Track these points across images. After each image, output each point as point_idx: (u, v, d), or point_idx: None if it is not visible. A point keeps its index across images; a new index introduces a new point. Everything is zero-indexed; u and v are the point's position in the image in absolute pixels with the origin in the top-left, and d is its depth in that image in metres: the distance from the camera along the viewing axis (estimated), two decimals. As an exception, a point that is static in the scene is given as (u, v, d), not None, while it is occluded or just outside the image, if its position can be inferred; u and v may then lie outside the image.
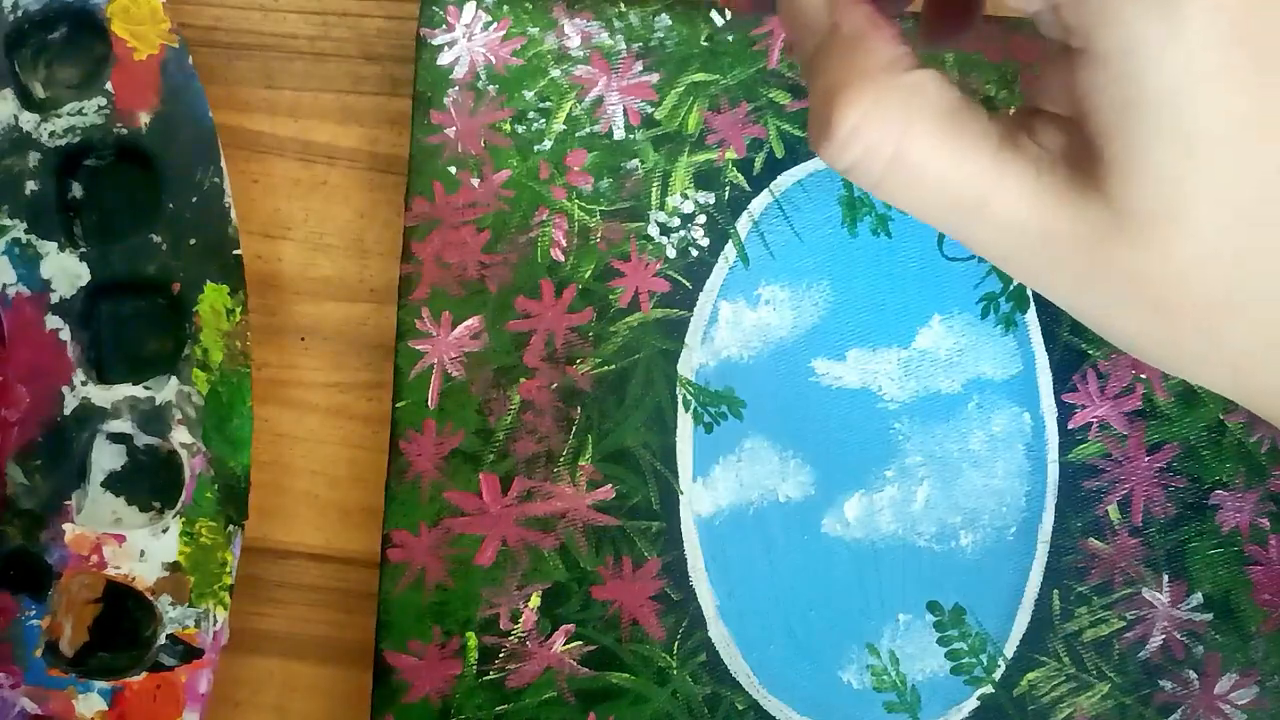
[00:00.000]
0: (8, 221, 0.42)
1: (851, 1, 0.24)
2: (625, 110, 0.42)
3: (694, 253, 0.42)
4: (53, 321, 0.41)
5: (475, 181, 0.42)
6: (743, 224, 0.42)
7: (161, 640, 0.41)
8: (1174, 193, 0.21)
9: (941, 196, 0.23)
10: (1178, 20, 0.20)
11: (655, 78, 0.42)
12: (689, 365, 0.42)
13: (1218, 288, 0.22)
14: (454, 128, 0.42)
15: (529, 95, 0.42)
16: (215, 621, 0.41)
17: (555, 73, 0.42)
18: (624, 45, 0.42)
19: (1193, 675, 0.41)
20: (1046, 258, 0.23)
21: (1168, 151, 0.21)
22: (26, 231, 0.42)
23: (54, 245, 0.42)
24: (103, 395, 0.41)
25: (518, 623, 0.41)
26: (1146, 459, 0.41)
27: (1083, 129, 0.22)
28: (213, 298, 0.42)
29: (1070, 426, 0.41)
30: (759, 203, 0.42)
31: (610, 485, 0.41)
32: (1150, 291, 0.22)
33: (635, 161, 0.42)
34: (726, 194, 0.42)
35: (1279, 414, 0.25)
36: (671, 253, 0.42)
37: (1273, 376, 0.24)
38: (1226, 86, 0.21)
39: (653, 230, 0.42)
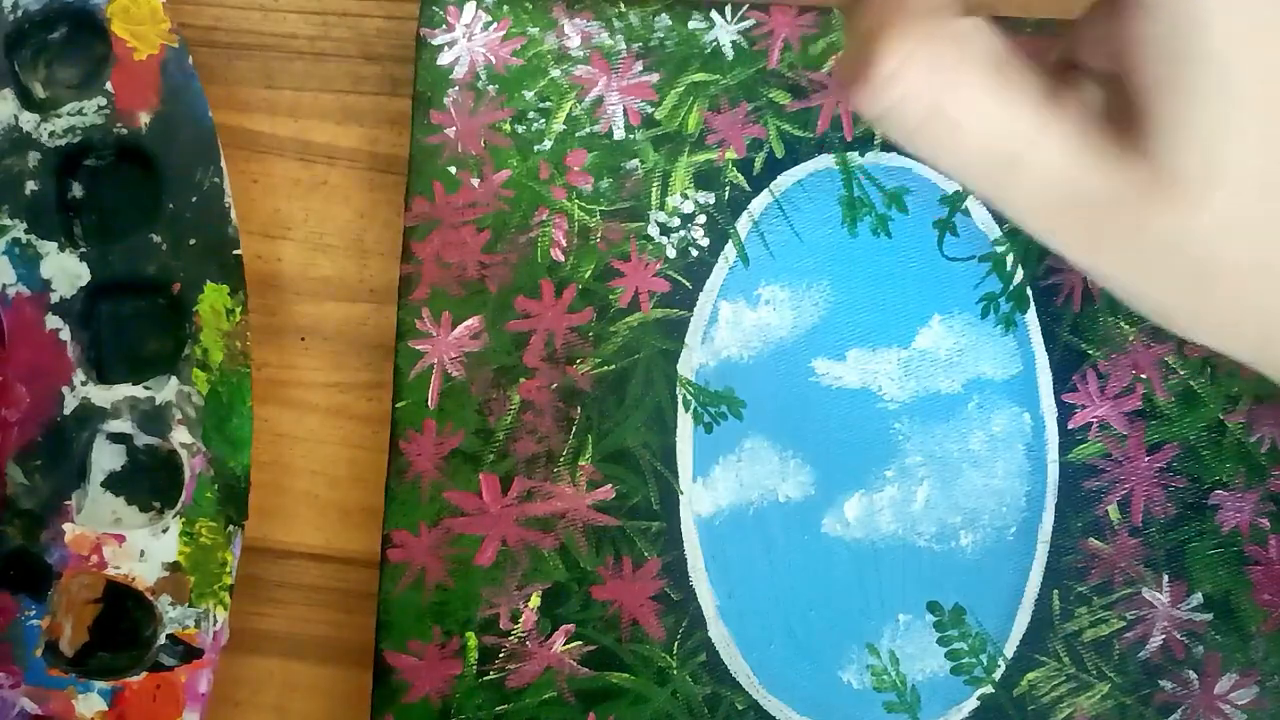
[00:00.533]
0: (8, 221, 0.41)
1: None
2: (625, 110, 0.42)
3: (694, 253, 0.42)
4: (53, 321, 0.41)
5: (475, 181, 0.42)
6: (743, 224, 0.42)
7: (161, 640, 0.41)
8: (1216, 154, 0.21)
9: (978, 150, 0.22)
10: None
11: (655, 78, 0.42)
12: (689, 365, 0.42)
13: (1255, 251, 0.22)
14: (454, 128, 0.42)
15: (529, 95, 0.42)
16: (215, 621, 0.41)
17: (555, 73, 0.42)
18: (624, 45, 0.42)
19: (1193, 675, 0.41)
20: (1081, 219, 0.22)
21: (1213, 111, 0.21)
22: (26, 231, 0.42)
23: (54, 245, 0.42)
24: (103, 395, 0.41)
25: (518, 623, 0.41)
26: (1146, 459, 0.41)
27: (1125, 85, 0.21)
28: (213, 298, 0.42)
29: (1070, 426, 0.41)
30: (759, 203, 0.42)
31: (610, 485, 0.41)
32: (1185, 253, 0.22)
33: (635, 161, 0.42)
34: (726, 194, 0.42)
35: None
36: (671, 253, 0.42)
37: None
38: (1275, 52, 0.20)
39: (653, 230, 0.42)
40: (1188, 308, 0.23)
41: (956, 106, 0.22)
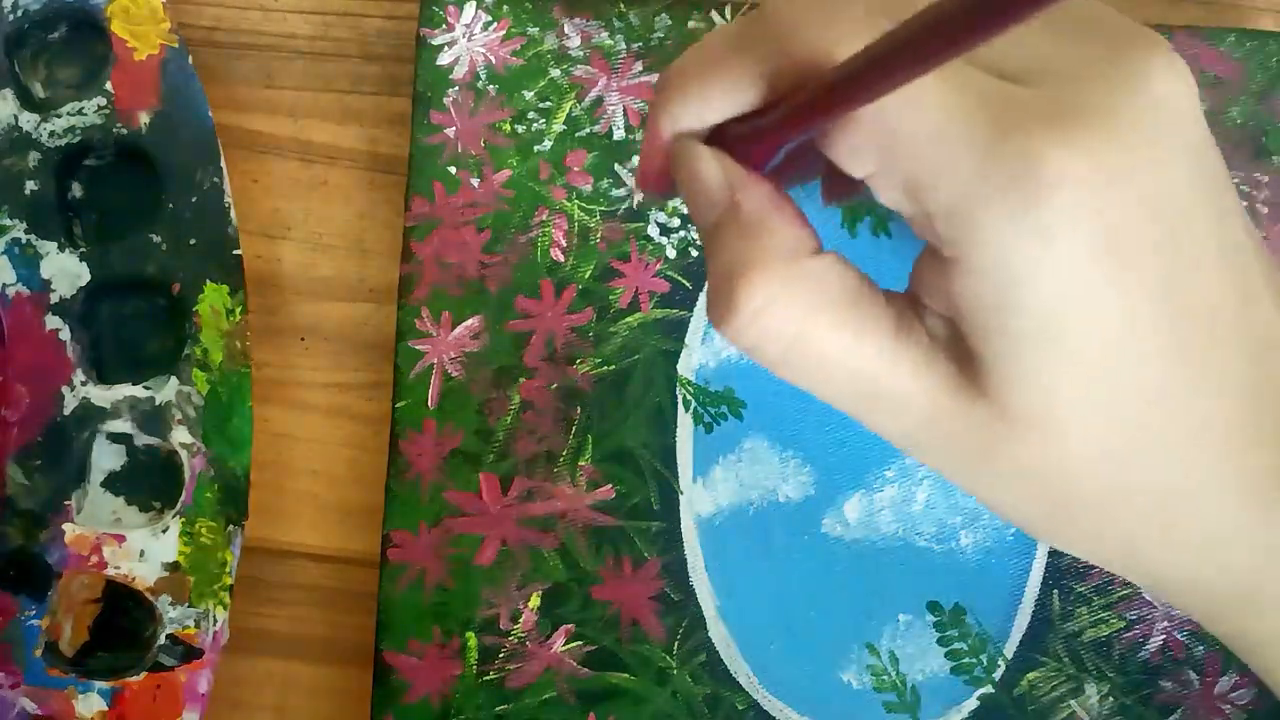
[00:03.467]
0: (8, 221, 0.42)
1: (752, 179, 0.24)
2: (625, 110, 0.42)
3: (694, 253, 0.42)
4: (53, 321, 0.41)
5: (475, 181, 0.42)
6: (743, 224, 0.42)
7: (161, 640, 0.41)
8: (1051, 400, 0.21)
9: (839, 379, 0.23)
10: (1046, 241, 0.20)
11: (655, 78, 0.42)
12: (689, 365, 0.42)
13: (1102, 482, 0.22)
14: (454, 128, 0.42)
15: (529, 95, 0.42)
16: (215, 621, 0.41)
17: (555, 73, 0.42)
18: (624, 45, 0.42)
19: (1193, 675, 0.41)
20: (938, 443, 0.23)
21: (1042, 361, 0.21)
22: (26, 231, 0.42)
23: (54, 245, 0.42)
24: (103, 395, 0.41)
25: (518, 623, 0.41)
26: (1146, 459, 0.41)
27: (960, 328, 0.22)
28: (213, 298, 0.42)
29: (1070, 426, 0.41)
30: (759, 203, 0.42)
31: (610, 485, 0.41)
32: (1037, 483, 0.23)
33: (635, 161, 0.42)
34: (726, 194, 0.42)
35: (1174, 595, 0.25)
36: (671, 253, 0.42)
37: (1157, 561, 0.24)
38: (1098, 306, 0.21)
39: (653, 230, 0.42)
40: (1050, 528, 0.24)
41: (816, 342, 0.23)
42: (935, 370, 0.23)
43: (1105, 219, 0.20)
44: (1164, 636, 0.41)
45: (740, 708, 0.41)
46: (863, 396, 0.23)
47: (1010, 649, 0.41)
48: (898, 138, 0.21)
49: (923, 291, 0.23)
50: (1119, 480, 0.22)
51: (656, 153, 0.25)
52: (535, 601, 0.41)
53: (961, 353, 0.22)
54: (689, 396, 0.42)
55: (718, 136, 0.24)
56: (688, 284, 0.42)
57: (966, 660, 0.41)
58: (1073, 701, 0.41)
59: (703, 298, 0.42)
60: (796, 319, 0.22)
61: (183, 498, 0.41)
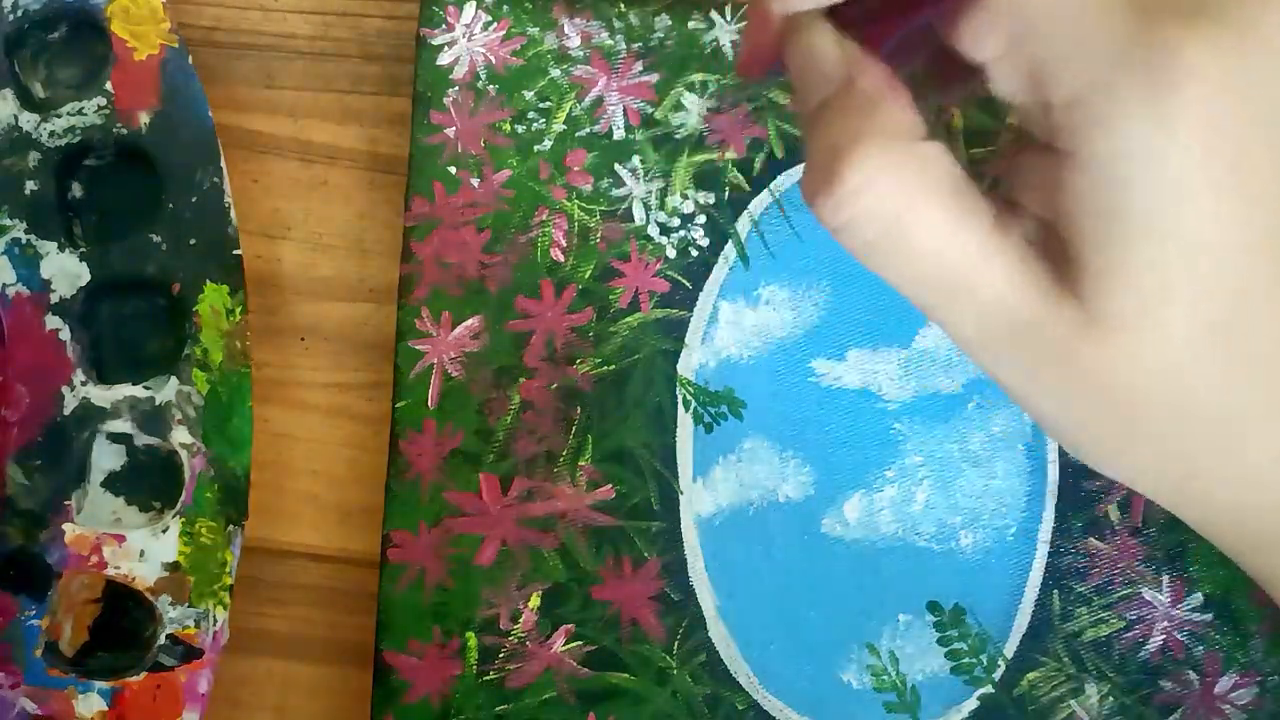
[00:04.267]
0: (8, 221, 0.42)
1: (869, 59, 0.23)
2: (625, 110, 0.42)
3: (694, 253, 0.42)
4: (53, 321, 0.41)
5: (475, 181, 0.42)
6: (743, 224, 0.42)
7: (161, 640, 0.41)
8: (1149, 304, 0.21)
9: (927, 270, 0.23)
10: (1169, 136, 0.20)
11: (655, 78, 0.42)
12: (689, 365, 0.42)
13: (1176, 398, 0.22)
14: (454, 128, 0.42)
15: (529, 95, 0.42)
16: (215, 621, 0.41)
17: (555, 73, 0.42)
18: (624, 45, 0.42)
19: (1193, 675, 0.41)
20: (1019, 346, 0.23)
21: (1147, 264, 0.21)
22: (26, 231, 0.42)
23: (54, 245, 0.42)
24: (103, 395, 0.41)
25: (518, 623, 0.41)
26: (1146, 459, 0.41)
27: (1059, 229, 0.22)
28: (213, 298, 0.42)
29: (1070, 426, 0.41)
30: (759, 203, 0.42)
31: (610, 485, 0.41)
32: (1114, 392, 0.22)
33: (635, 161, 0.42)
34: (726, 194, 0.42)
35: (1224, 526, 0.25)
36: (671, 253, 0.42)
37: (1217, 487, 0.24)
38: (1213, 205, 0.21)
39: (653, 230, 0.42)
40: (1112, 444, 0.24)
41: (914, 226, 0.22)
42: (1028, 269, 0.22)
43: (1232, 120, 0.20)
44: (1164, 636, 0.41)
45: (740, 708, 0.41)
46: (946, 290, 0.23)
47: (1010, 649, 0.41)
48: (1033, 19, 0.21)
49: (1020, 192, 0.23)
50: (1192, 398, 0.22)
51: (763, 31, 0.25)
52: (535, 601, 0.41)
53: (1056, 255, 0.22)
54: (689, 396, 0.42)
55: (830, 17, 0.24)
56: (688, 284, 0.42)
57: (966, 660, 0.41)
58: (1073, 701, 0.41)
59: (702, 297, 0.42)
60: (898, 200, 0.22)
61: (183, 498, 0.41)
